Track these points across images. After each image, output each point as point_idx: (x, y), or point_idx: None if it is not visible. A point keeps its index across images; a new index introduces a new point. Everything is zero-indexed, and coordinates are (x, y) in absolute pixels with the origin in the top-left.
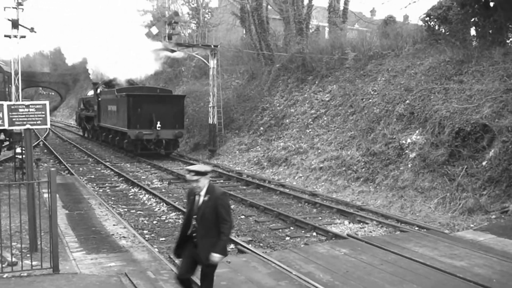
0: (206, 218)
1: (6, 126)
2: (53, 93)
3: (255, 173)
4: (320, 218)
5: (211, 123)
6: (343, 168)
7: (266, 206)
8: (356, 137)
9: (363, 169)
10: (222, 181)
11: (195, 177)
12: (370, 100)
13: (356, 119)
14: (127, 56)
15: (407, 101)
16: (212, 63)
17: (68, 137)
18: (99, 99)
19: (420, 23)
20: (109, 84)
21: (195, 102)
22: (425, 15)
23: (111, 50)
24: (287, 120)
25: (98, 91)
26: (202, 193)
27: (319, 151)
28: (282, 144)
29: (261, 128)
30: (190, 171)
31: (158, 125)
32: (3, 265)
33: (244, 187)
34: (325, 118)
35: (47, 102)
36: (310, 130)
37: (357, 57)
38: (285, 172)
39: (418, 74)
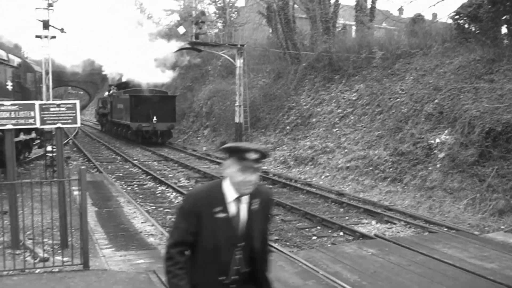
0: (262, 242)
1: (38, 125)
2: (81, 92)
3: (281, 172)
4: (347, 217)
5: (237, 122)
6: (370, 168)
7: (292, 205)
8: (384, 137)
9: (391, 169)
10: None
11: (258, 165)
12: (398, 100)
13: (384, 119)
14: (142, 60)
15: (436, 101)
16: (239, 62)
17: (96, 135)
18: (111, 99)
19: (449, 21)
20: (121, 86)
21: (221, 101)
22: (454, 13)
23: (125, 54)
24: (314, 119)
25: (111, 92)
26: (246, 197)
27: (346, 150)
28: (309, 143)
29: (288, 127)
30: (253, 150)
31: (155, 119)
32: (35, 261)
33: (271, 186)
34: (352, 118)
35: (77, 102)
36: (337, 129)
37: (384, 56)
38: (312, 171)
39: (447, 73)
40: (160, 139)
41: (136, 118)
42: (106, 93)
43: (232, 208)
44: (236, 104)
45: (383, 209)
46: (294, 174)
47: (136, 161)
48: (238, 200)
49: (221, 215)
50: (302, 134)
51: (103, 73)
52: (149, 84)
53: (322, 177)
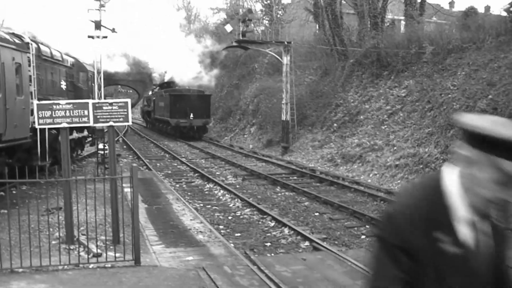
0: None
1: (91, 123)
2: (131, 91)
3: (328, 170)
4: None
5: (284, 119)
6: (420, 166)
7: (340, 203)
8: (434, 134)
9: (442, 167)
10: (295, 177)
11: None
12: (449, 96)
13: (434, 115)
14: (185, 60)
15: (490, 96)
16: (285, 59)
17: (145, 133)
18: (154, 97)
19: (504, 13)
20: (163, 85)
21: (267, 99)
22: (509, 5)
23: (169, 55)
24: (362, 117)
25: (154, 91)
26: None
27: (395, 148)
28: (357, 140)
29: (335, 124)
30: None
31: (191, 115)
32: (89, 256)
33: (318, 184)
34: (401, 114)
35: (128, 100)
36: (386, 126)
37: (435, 51)
38: (360, 169)
39: (502, 68)
40: (196, 134)
41: (175, 114)
42: (150, 92)
43: (465, 234)
44: (282, 102)
45: None
46: (341, 172)
47: (184, 159)
48: (475, 220)
49: (450, 247)
50: (350, 132)
51: (149, 72)
52: (190, 84)
53: (371, 175)
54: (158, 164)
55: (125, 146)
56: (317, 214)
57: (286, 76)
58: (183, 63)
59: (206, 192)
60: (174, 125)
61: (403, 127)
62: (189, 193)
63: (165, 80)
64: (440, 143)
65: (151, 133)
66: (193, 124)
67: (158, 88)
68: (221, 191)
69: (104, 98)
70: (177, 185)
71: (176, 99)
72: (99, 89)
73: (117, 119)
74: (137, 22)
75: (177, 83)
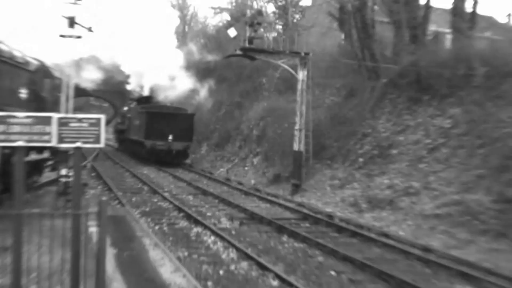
0: None
1: (54, 143)
2: (106, 105)
3: (350, 217)
4: (435, 281)
5: (296, 149)
6: (467, 217)
7: (364, 261)
8: (486, 177)
9: (495, 220)
10: (307, 225)
11: None
12: (505, 130)
13: (486, 154)
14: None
15: None
16: (302, 74)
17: (121, 158)
18: (129, 114)
19: None
20: (141, 100)
21: (276, 123)
22: None
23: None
24: (395, 151)
25: (130, 106)
26: None
27: (436, 192)
28: (387, 181)
29: (360, 159)
30: None
31: (170, 137)
32: None
33: (336, 234)
34: (445, 151)
35: (102, 117)
36: (425, 164)
37: (488, 74)
38: (390, 217)
39: None
40: (175, 159)
41: (151, 135)
42: (126, 108)
43: None
44: (296, 127)
45: (483, 273)
46: (366, 220)
47: (167, 194)
48: None
49: None
50: (379, 169)
51: (127, 84)
52: (179, 101)
53: (403, 226)
54: (133, 199)
55: (94, 174)
56: (333, 273)
57: (301, 95)
58: (169, 74)
59: (193, 238)
60: (149, 147)
61: (446, 167)
62: (171, 238)
63: (144, 94)
64: (492, 189)
65: (127, 158)
66: (172, 148)
67: (135, 103)
68: (212, 238)
69: (73, 112)
70: (157, 227)
71: (153, 117)
72: (67, 100)
73: (87, 140)
74: (119, 21)
75: (159, 99)
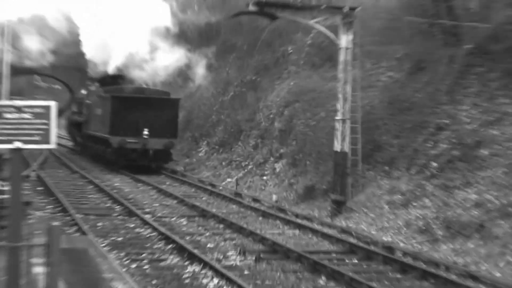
0: None
1: None
2: (58, 86)
3: (419, 249)
4: None
5: (338, 150)
6: None
7: None
8: None
9: None
10: (355, 261)
11: None
12: None
13: None
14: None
15: None
16: (345, 39)
17: (80, 164)
18: (89, 101)
19: None
20: (107, 81)
21: (308, 111)
22: None
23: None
24: (485, 151)
25: (90, 90)
26: None
27: None
28: (474, 196)
29: (434, 163)
30: None
31: (145, 132)
32: None
33: (398, 275)
34: None
35: (53, 103)
36: None
37: None
38: (479, 250)
39: None
40: (153, 163)
41: (119, 130)
42: (83, 92)
43: None
44: (337, 117)
45: None
46: (444, 254)
47: (148, 216)
48: None
49: None
50: (462, 179)
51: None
52: (155, 80)
53: (500, 263)
54: (100, 224)
55: (41, 188)
56: None
57: (344, 70)
58: (148, 43)
59: (187, 282)
60: (117, 146)
61: None
62: (154, 282)
63: (110, 73)
64: None
65: (89, 163)
66: (148, 147)
67: (96, 85)
68: (215, 281)
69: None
70: (134, 266)
71: (121, 104)
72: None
73: (30, 138)
74: None
75: (132, 78)
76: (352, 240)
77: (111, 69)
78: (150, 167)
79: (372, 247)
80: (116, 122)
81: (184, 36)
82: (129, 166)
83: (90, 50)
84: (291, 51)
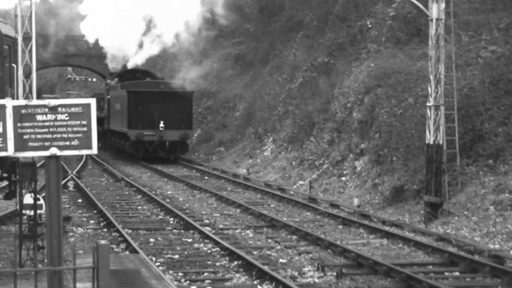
0: None
1: (10, 152)
2: (94, 79)
3: None
4: None
5: (431, 143)
6: None
7: None
8: None
9: None
10: (457, 273)
11: None
12: None
13: None
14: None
15: None
16: (436, 9)
17: (124, 171)
18: (109, 96)
19: None
20: (127, 76)
21: (393, 97)
22: None
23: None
24: None
25: (110, 85)
26: None
27: None
28: None
29: None
30: None
31: (161, 125)
32: None
33: None
34: None
35: (93, 101)
36: None
37: None
38: None
39: None
40: (171, 155)
41: (136, 123)
42: (107, 86)
43: None
44: (428, 103)
45: None
46: None
47: (207, 228)
48: None
49: None
50: None
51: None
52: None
53: None
54: (152, 240)
55: (80, 200)
56: None
57: (436, 46)
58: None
59: None
60: (135, 139)
61: None
62: None
63: (130, 67)
64: None
65: (136, 168)
66: (164, 138)
67: (116, 79)
68: None
69: (38, 95)
70: None
71: (138, 99)
72: (27, 75)
73: (67, 143)
74: None
75: (152, 73)
76: (452, 249)
77: (130, 65)
78: (169, 159)
79: (476, 257)
80: (133, 116)
81: (240, 11)
82: (145, 158)
83: (110, 44)
84: (370, 26)
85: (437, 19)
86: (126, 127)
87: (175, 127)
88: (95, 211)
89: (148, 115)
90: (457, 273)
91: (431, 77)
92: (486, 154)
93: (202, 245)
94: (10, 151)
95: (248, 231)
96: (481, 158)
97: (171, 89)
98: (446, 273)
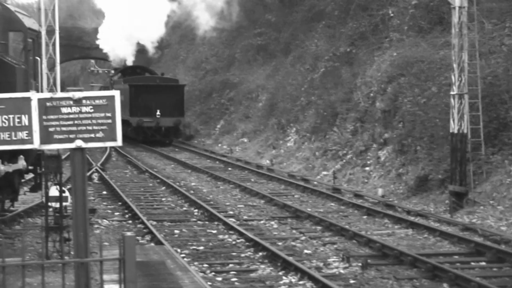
0: None
1: (35, 145)
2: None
3: None
4: None
5: (455, 132)
6: None
7: None
8: None
9: None
10: (483, 263)
11: None
12: None
13: None
14: None
15: None
16: None
17: (148, 163)
18: (113, 89)
19: None
20: (127, 71)
21: (416, 86)
22: None
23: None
24: None
25: (113, 79)
26: None
27: None
28: None
29: None
30: None
31: (158, 113)
32: None
33: None
34: None
35: (117, 93)
36: None
37: None
38: None
39: None
40: (166, 138)
41: (137, 111)
42: (113, 80)
43: None
44: (452, 92)
45: None
46: None
47: (232, 220)
48: None
49: None
50: None
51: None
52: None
53: None
54: (176, 231)
55: (104, 192)
56: None
57: (459, 34)
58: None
59: None
60: (136, 125)
61: None
62: None
63: (129, 64)
64: None
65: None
66: (161, 124)
67: (119, 75)
68: None
69: (62, 87)
70: (219, 279)
71: (138, 91)
72: (51, 68)
73: (92, 135)
74: None
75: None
76: (478, 239)
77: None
78: (164, 142)
79: (503, 247)
80: (134, 106)
81: (262, 1)
82: (145, 141)
83: (116, 43)
84: (392, 14)
85: (460, 7)
86: (128, 115)
87: (170, 115)
88: (119, 203)
89: (146, 105)
90: (483, 263)
91: (455, 65)
92: (510, 143)
93: (226, 236)
94: (36, 144)
95: (273, 222)
96: (506, 147)
97: (166, 83)
98: (473, 263)
